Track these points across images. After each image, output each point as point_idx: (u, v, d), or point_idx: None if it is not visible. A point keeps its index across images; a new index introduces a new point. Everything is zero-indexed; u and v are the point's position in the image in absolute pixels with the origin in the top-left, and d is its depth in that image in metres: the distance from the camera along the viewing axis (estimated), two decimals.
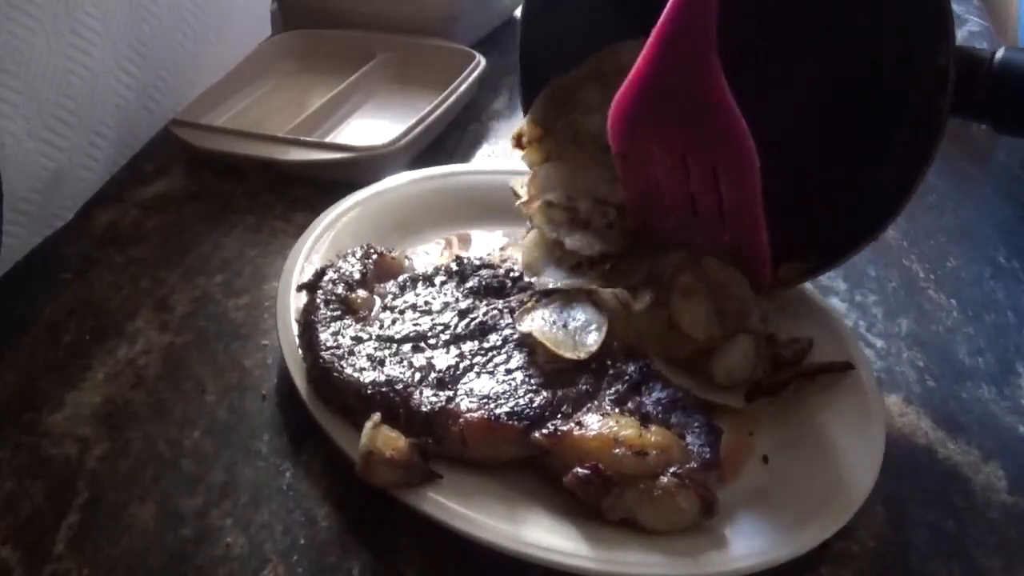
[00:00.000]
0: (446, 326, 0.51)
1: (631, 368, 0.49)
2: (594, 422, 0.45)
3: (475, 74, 0.82)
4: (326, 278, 0.54)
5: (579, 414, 0.46)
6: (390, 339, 0.50)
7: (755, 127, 0.46)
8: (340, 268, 0.55)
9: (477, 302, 0.53)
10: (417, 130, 0.74)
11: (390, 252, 0.58)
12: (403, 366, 0.48)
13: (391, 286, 0.55)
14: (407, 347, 0.50)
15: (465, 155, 0.79)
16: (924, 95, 0.46)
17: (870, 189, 0.51)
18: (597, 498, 0.43)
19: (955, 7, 0.46)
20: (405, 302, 0.53)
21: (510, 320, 0.51)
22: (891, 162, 0.50)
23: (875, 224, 0.50)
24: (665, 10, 0.45)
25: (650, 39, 0.46)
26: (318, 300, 0.52)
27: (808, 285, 0.58)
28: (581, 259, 0.54)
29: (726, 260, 0.52)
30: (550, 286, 0.53)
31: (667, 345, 0.52)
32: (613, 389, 0.47)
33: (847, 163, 0.52)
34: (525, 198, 0.57)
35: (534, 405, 0.46)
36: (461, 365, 0.49)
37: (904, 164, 0.48)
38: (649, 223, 0.54)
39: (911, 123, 0.48)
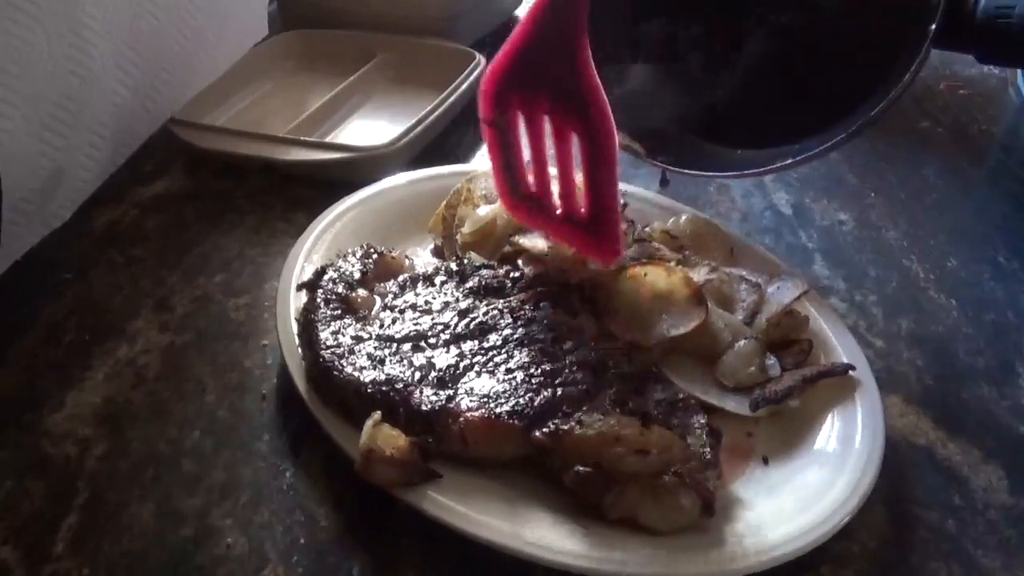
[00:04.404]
0: (446, 326, 0.51)
1: (632, 369, 0.49)
2: (595, 421, 0.45)
3: (475, 74, 0.82)
4: (326, 277, 0.54)
5: (579, 413, 0.46)
6: (390, 338, 0.50)
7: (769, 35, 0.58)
8: (340, 267, 0.55)
9: (477, 302, 0.53)
10: (417, 130, 0.74)
11: (390, 252, 0.58)
12: (403, 365, 0.48)
13: (391, 286, 0.55)
14: (407, 346, 0.50)
15: (465, 155, 0.79)
16: (913, 23, 0.52)
17: (853, 99, 0.56)
18: (598, 496, 0.43)
19: None
20: (405, 302, 0.53)
21: (510, 320, 0.51)
22: (879, 78, 0.54)
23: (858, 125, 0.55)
24: None
25: (526, 14, 0.51)
26: (318, 299, 0.52)
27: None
28: None
29: (580, 233, 0.54)
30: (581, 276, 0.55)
31: (696, 342, 0.53)
32: (614, 389, 0.47)
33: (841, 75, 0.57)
34: None
35: (534, 404, 0.46)
36: (461, 364, 0.49)
37: (890, 79, 0.54)
38: (513, 195, 0.57)
39: (899, 48, 0.53)
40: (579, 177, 0.53)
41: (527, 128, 0.54)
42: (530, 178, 0.56)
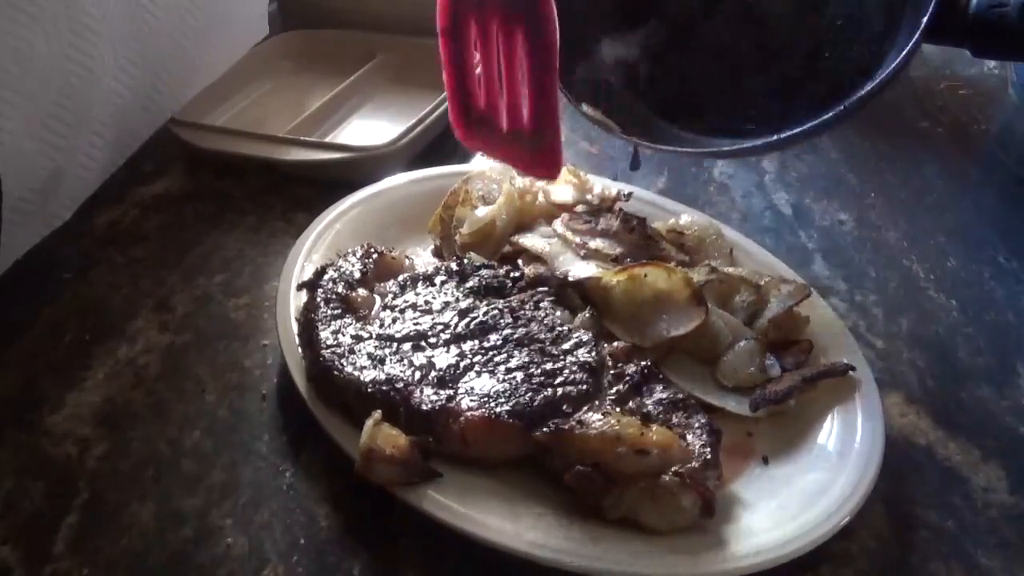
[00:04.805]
0: (446, 325, 0.51)
1: (632, 369, 0.49)
2: (595, 421, 0.45)
3: None
4: (326, 277, 0.54)
5: (580, 413, 0.46)
6: (390, 338, 0.50)
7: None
8: (340, 267, 0.55)
9: (477, 302, 0.53)
10: (417, 130, 0.74)
11: (390, 251, 0.58)
12: (403, 365, 0.48)
13: (391, 285, 0.55)
14: (407, 346, 0.50)
15: (465, 155, 0.79)
16: (906, 16, 0.53)
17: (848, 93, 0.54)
18: (598, 496, 0.43)
19: None
20: (405, 301, 0.53)
21: (510, 320, 0.51)
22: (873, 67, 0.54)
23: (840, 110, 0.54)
24: None
25: None
26: (318, 298, 0.52)
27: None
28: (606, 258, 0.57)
29: (525, 150, 0.56)
30: (582, 275, 0.55)
31: (696, 343, 0.53)
32: (614, 389, 0.47)
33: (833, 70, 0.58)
34: None
35: (535, 404, 0.46)
36: (462, 364, 0.49)
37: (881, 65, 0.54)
38: (465, 118, 0.59)
39: (891, 41, 0.54)
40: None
41: (480, 43, 0.56)
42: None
